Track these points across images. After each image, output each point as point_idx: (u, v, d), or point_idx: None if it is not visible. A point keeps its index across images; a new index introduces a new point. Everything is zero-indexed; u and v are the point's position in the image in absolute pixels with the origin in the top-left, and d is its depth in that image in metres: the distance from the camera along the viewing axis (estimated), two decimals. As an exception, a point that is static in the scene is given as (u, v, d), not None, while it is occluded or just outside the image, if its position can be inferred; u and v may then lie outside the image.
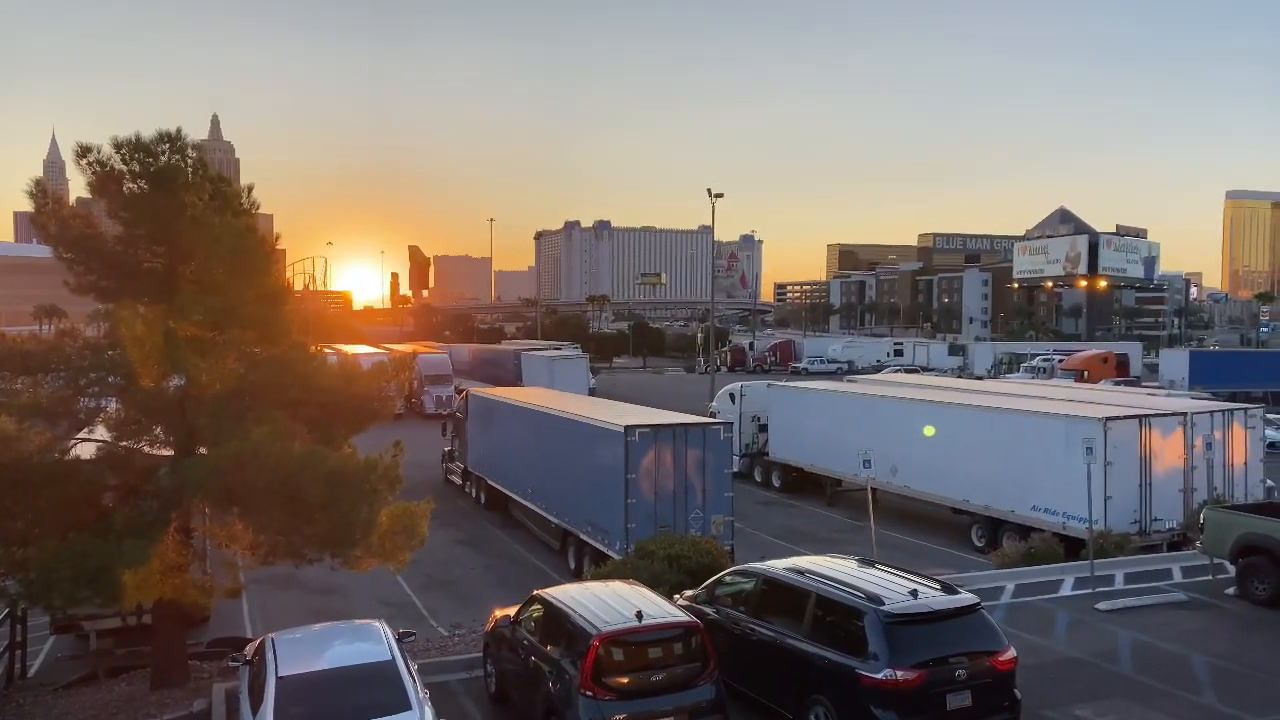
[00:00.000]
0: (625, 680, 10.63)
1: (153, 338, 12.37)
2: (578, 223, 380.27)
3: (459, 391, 42.66)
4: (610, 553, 21.09)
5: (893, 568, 12.80)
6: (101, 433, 13.43)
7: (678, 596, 13.95)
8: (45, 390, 13.05)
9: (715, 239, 77.84)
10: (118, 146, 13.02)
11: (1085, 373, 67.07)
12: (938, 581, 12.15)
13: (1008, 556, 21.49)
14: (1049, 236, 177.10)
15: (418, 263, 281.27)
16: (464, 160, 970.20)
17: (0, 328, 21.09)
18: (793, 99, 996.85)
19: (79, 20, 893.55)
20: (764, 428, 36.86)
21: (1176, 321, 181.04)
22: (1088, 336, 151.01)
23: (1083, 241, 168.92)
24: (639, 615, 10.97)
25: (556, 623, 11.60)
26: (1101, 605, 17.43)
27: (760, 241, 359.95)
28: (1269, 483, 27.50)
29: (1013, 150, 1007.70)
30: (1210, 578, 18.88)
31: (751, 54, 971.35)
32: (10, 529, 12.17)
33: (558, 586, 13.46)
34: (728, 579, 13.79)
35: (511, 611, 13.15)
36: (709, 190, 56.28)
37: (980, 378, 71.86)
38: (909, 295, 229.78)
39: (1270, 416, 34.72)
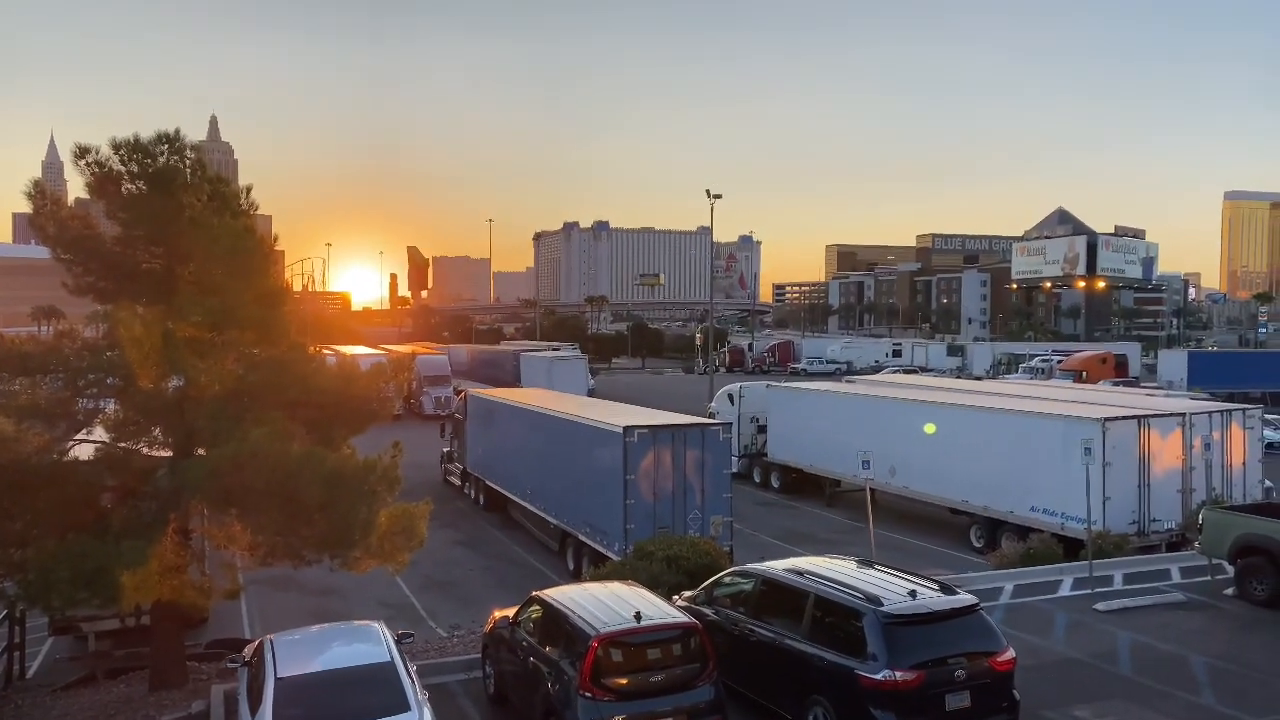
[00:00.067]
0: (624, 681, 10.63)
1: (151, 339, 12.37)
2: (576, 223, 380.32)
3: (458, 392, 42.62)
4: (609, 554, 21.08)
5: (891, 568, 12.80)
6: (100, 434, 13.43)
7: (676, 597, 13.94)
8: (44, 391, 13.05)
9: (714, 240, 77.89)
10: (116, 147, 13.02)
11: (1084, 373, 67.08)
12: (936, 582, 12.15)
13: (1006, 557, 21.50)
14: (1047, 237, 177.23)
15: (416, 263, 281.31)
16: (463, 161, 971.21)
17: (-2, 329, 21.08)
18: (792, 99, 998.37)
19: (78, 21, 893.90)
20: (763, 428, 36.87)
21: (1175, 322, 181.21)
22: (1086, 337, 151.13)
23: (1081, 242, 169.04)
24: (638, 616, 10.97)
25: (555, 624, 11.60)
26: (1100, 606, 17.43)
27: (759, 242, 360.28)
28: (1267, 483, 27.50)
29: (1011, 151, 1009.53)
30: (1209, 578, 18.89)
31: (750, 55, 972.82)
32: (9, 530, 12.17)
33: (556, 587, 13.46)
34: (727, 580, 13.79)
35: (510, 612, 13.14)
36: (708, 191, 56.42)
37: (979, 378, 71.95)
38: (908, 296, 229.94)
39: (1268, 417, 34.74)
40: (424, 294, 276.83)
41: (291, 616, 17.93)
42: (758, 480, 36.82)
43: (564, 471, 24.66)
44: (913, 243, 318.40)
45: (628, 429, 21.22)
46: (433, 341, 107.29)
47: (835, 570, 12.46)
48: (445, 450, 37.17)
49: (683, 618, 11.45)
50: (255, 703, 10.16)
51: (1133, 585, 18.96)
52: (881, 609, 10.91)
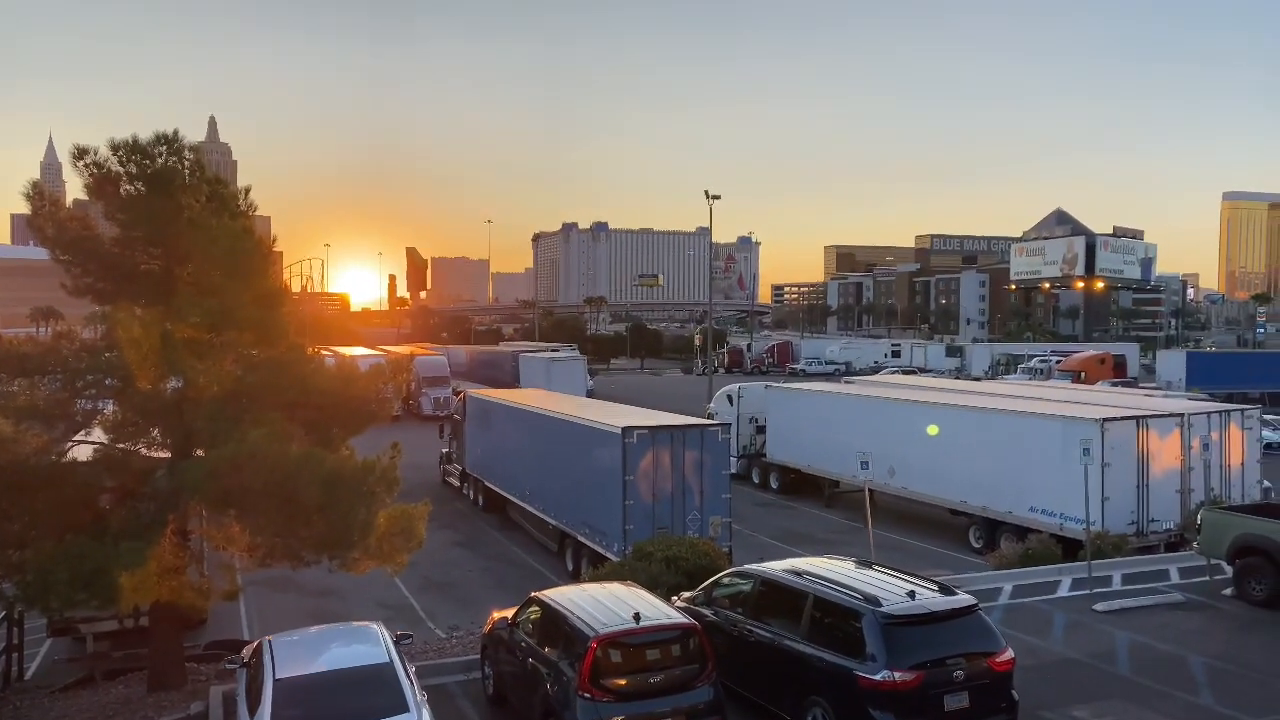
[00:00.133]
0: (623, 682, 10.62)
1: (150, 340, 12.37)
2: (575, 224, 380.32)
3: (456, 393, 42.63)
4: (608, 554, 21.08)
5: (890, 569, 12.80)
6: (99, 435, 13.43)
7: (675, 598, 13.95)
8: (42, 392, 13.05)
9: (713, 240, 77.86)
10: (115, 148, 13.02)
11: (1082, 374, 67.12)
12: (935, 583, 12.15)
13: (1005, 558, 21.51)
14: (1046, 238, 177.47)
15: (415, 264, 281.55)
16: (462, 162, 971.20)
17: (-3, 330, 21.07)
18: (790, 100, 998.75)
19: (76, 22, 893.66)
20: (762, 429, 36.88)
21: (1173, 322, 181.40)
22: (1085, 337, 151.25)
23: (1080, 243, 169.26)
24: (637, 617, 10.97)
25: (554, 624, 11.60)
26: (1099, 606, 17.44)
27: (758, 243, 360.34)
28: (1266, 483, 27.54)
29: (1010, 152, 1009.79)
30: (1207, 578, 18.89)
31: (750, 55, 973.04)
32: (7, 531, 12.17)
33: (555, 588, 13.45)
34: (725, 580, 13.79)
35: (509, 613, 13.14)
36: (706, 192, 56.37)
37: (978, 379, 71.93)
38: (906, 296, 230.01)
39: (1267, 417, 34.81)
40: (422, 295, 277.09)
41: (290, 617, 17.91)
42: (756, 481, 36.83)
43: (563, 472, 24.66)
44: (911, 243, 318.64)
45: (626, 430, 21.22)
46: (431, 342, 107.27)
47: (834, 571, 12.46)
48: (444, 451, 37.16)
49: (682, 618, 11.45)
50: (254, 704, 10.16)
51: (1131, 586, 18.97)
52: (880, 609, 10.91)
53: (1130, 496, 23.38)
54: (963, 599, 11.53)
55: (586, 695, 10.41)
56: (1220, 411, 26.11)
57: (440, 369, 63.44)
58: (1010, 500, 25.32)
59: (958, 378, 74.74)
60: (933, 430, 27.83)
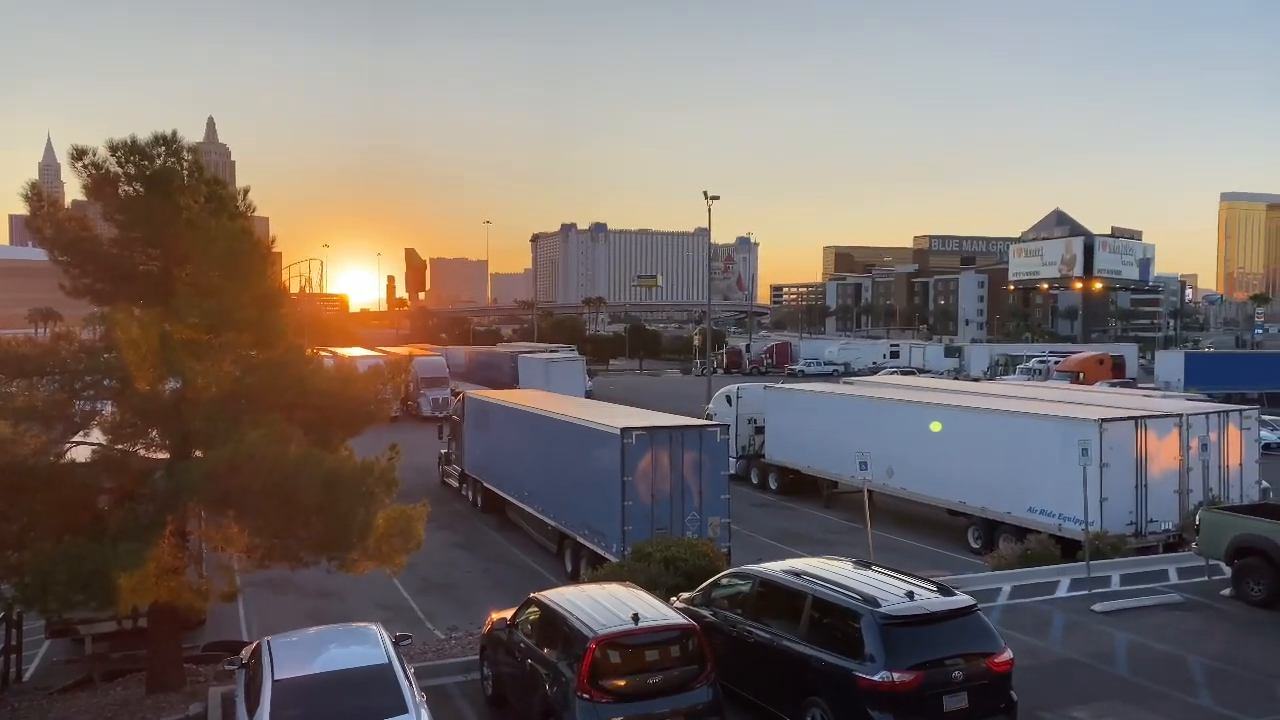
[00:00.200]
0: (622, 683, 10.62)
1: (148, 341, 12.37)
2: (574, 225, 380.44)
3: (455, 394, 42.64)
4: (607, 555, 21.08)
5: (889, 569, 12.79)
6: (97, 436, 13.43)
7: (674, 599, 13.95)
8: (41, 393, 13.04)
9: (711, 241, 77.90)
10: (113, 149, 13.02)
11: (1081, 374, 67.16)
12: (934, 583, 12.15)
13: (1004, 558, 21.52)
14: (1044, 238, 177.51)
15: (414, 265, 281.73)
16: (461, 162, 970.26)
17: (-5, 331, 21.06)
18: (789, 101, 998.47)
19: (75, 22, 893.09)
20: (760, 430, 36.88)
21: (1172, 323, 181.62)
22: (1083, 338, 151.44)
23: (1078, 243, 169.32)
24: (636, 618, 10.97)
25: (553, 625, 11.60)
26: (1097, 607, 17.45)
27: (756, 244, 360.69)
28: (1264, 484, 27.57)
29: (1008, 153, 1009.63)
30: (1206, 579, 18.91)
31: (748, 57, 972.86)
32: (5, 532, 12.16)
33: (554, 589, 13.45)
34: (724, 581, 13.79)
35: (508, 614, 13.13)
36: (705, 192, 56.23)
37: (976, 379, 71.95)
38: (905, 297, 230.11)
39: (1265, 418, 34.84)
40: (421, 296, 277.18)
41: (289, 618, 17.90)
42: (755, 481, 36.83)
43: (562, 473, 24.66)
44: (910, 244, 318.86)
45: (625, 430, 21.22)
46: (430, 343, 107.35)
47: (833, 571, 12.46)
48: (443, 452, 37.16)
49: (680, 619, 11.45)
50: (253, 705, 10.16)
51: (1130, 586, 18.98)
52: (879, 610, 10.91)
53: (1129, 497, 23.40)
54: (961, 599, 11.53)
55: (585, 696, 10.41)
56: (1219, 412, 26.13)
57: (439, 370, 63.43)
58: (1009, 501, 25.33)
59: (956, 378, 74.77)
60: (935, 427, 27.82)
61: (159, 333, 12.55)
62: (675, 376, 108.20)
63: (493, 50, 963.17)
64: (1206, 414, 25.58)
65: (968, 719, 10.77)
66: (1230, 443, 25.57)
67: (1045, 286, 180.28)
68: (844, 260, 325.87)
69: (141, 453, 13.47)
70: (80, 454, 13.35)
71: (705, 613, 13.11)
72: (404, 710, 9.97)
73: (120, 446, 13.32)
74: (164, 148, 13.22)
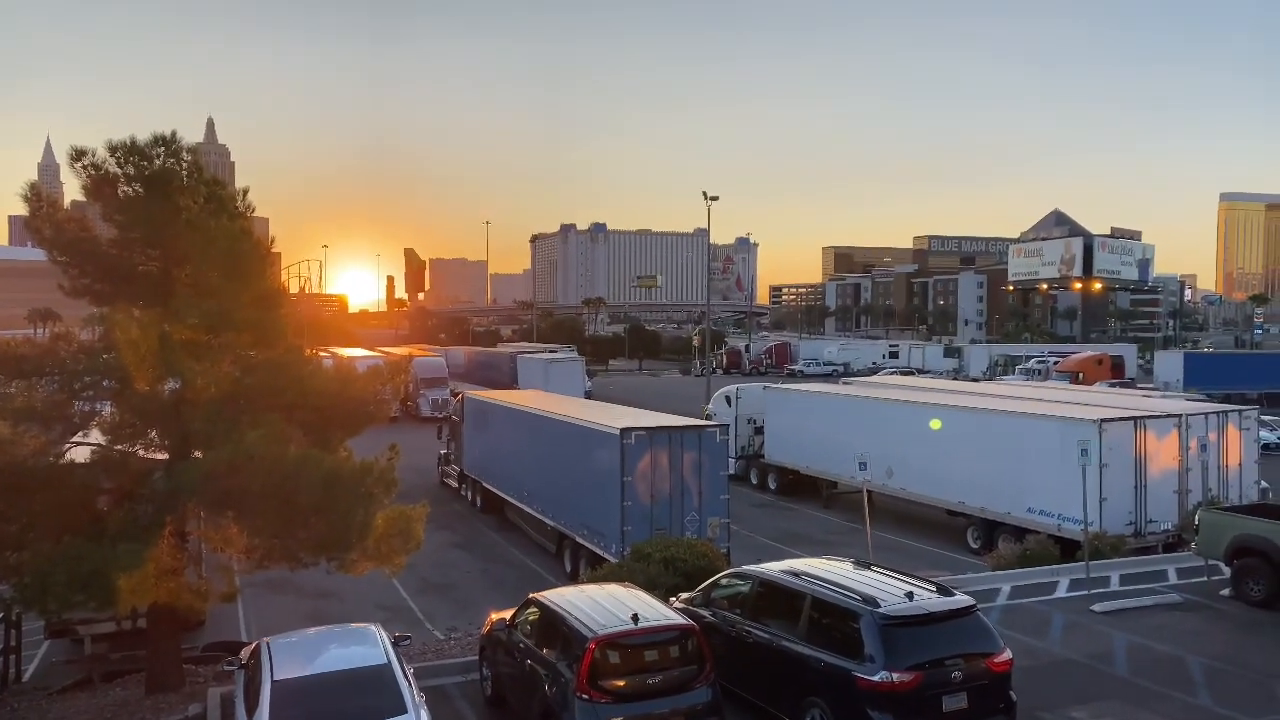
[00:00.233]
0: (621, 683, 10.62)
1: (148, 341, 12.36)
2: (574, 225, 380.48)
3: (454, 394, 42.63)
4: (606, 555, 21.08)
5: (888, 570, 12.80)
6: (96, 436, 13.42)
7: (674, 599, 13.95)
8: (40, 394, 13.04)
9: (711, 241, 77.94)
10: (112, 150, 13.02)
11: (1080, 375, 67.19)
12: (933, 583, 12.15)
13: (1003, 558, 21.53)
14: (1044, 239, 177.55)
15: (413, 266, 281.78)
16: (460, 162, 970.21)
17: (-6, 331, 21.05)
18: (789, 102, 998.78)
19: (74, 23, 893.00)
20: (760, 430, 36.87)
21: (1171, 323, 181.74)
22: (1083, 338, 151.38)
23: (1077, 244, 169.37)
24: (635, 618, 10.97)
25: (552, 626, 11.60)
26: (1097, 607, 17.46)
27: (756, 244, 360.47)
28: (1263, 484, 27.59)
29: (1008, 153, 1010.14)
30: (1205, 579, 18.91)
31: (748, 57, 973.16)
32: (5, 533, 12.16)
33: (553, 589, 13.45)
34: (724, 581, 13.79)
35: (507, 615, 13.14)
36: (704, 193, 56.38)
37: (976, 380, 71.96)
38: (904, 297, 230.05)
39: (1265, 418, 34.84)
40: (421, 296, 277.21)
41: (288, 619, 17.89)
42: (755, 482, 36.83)
43: (561, 473, 24.66)
44: (909, 244, 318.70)
45: (625, 431, 21.22)
46: (429, 343, 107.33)
47: (832, 572, 12.46)
48: (442, 452, 37.16)
49: (680, 619, 11.45)
50: (252, 705, 10.15)
51: (1129, 586, 18.99)
52: (878, 610, 10.91)
53: (1128, 497, 23.41)
54: (961, 600, 11.53)
55: (585, 696, 10.41)
56: (1218, 412, 26.15)
57: (438, 370, 63.42)
58: (1008, 501, 25.34)
59: (956, 379, 74.80)
60: (936, 424, 27.82)
61: (158, 333, 12.55)
62: (675, 377, 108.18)
63: (493, 50, 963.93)
64: (1206, 414, 25.59)
65: (967, 719, 10.78)
66: (1229, 443, 25.58)
67: (1044, 287, 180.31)
68: (843, 260, 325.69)
69: (141, 453, 13.47)
70: (79, 455, 13.35)
71: (705, 613, 13.11)
72: (403, 711, 9.96)
73: (119, 447, 13.32)
74: (163, 148, 13.21)
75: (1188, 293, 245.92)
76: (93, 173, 13.10)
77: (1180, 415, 24.87)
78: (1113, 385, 58.71)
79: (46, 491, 12.22)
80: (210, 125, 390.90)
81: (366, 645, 11.18)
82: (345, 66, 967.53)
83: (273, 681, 10.16)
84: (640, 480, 21.20)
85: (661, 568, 16.72)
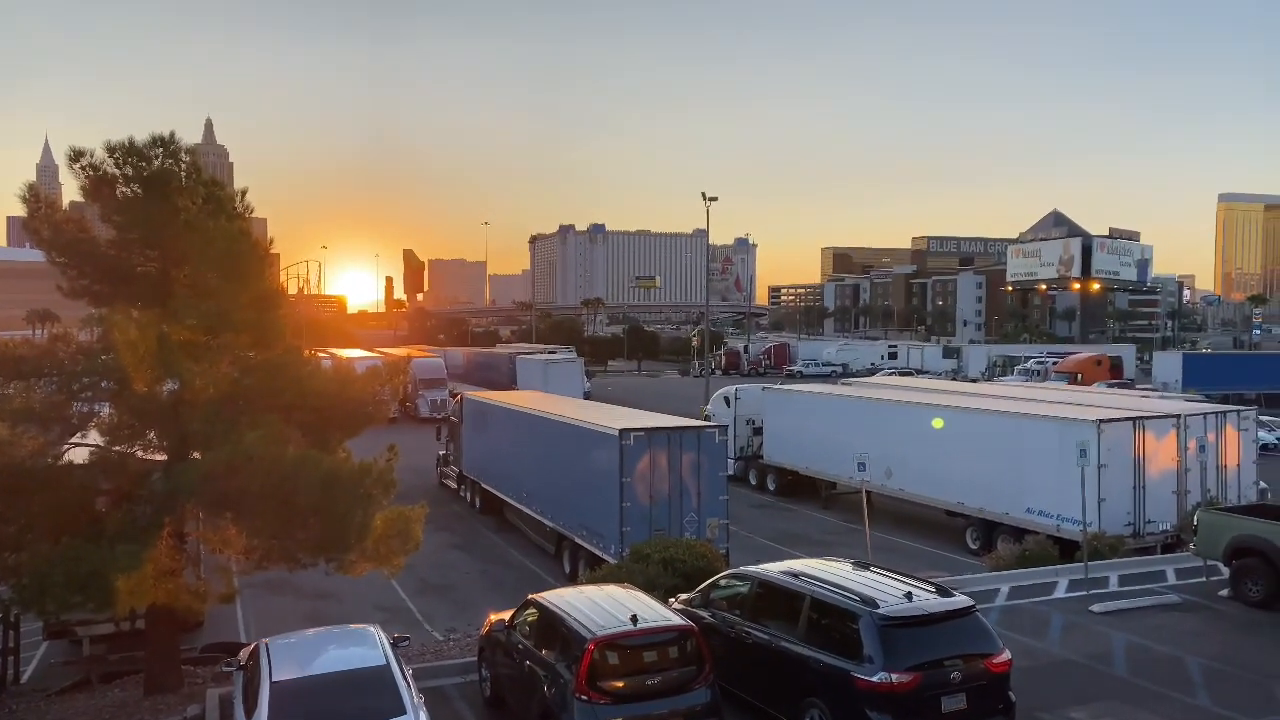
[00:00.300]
0: (620, 684, 10.61)
1: (146, 342, 12.36)
2: (572, 226, 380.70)
3: (453, 395, 42.61)
4: (605, 556, 21.07)
5: (887, 570, 12.79)
6: (95, 437, 13.41)
7: (673, 600, 13.94)
8: (38, 395, 13.04)
9: (710, 242, 77.98)
10: (111, 151, 13.02)
11: (1079, 375, 67.19)
12: (932, 584, 12.15)
13: (1002, 559, 21.53)
14: (1042, 239, 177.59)
15: (412, 266, 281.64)
16: (459, 163, 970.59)
17: (-7, 332, 21.02)
18: (788, 102, 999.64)
19: (73, 23, 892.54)
20: (759, 431, 36.87)
21: (1170, 324, 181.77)
22: (1081, 339, 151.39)
23: (1076, 244, 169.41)
24: (634, 619, 10.96)
25: (551, 627, 11.59)
26: (1096, 607, 17.46)
27: (755, 245, 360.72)
28: (1262, 484, 27.61)
29: (1007, 153, 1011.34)
30: (1204, 580, 18.92)
31: (748, 58, 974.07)
32: (3, 534, 12.16)
33: (553, 590, 13.44)
34: (723, 582, 13.79)
35: (506, 615, 13.12)
36: (703, 194, 56.41)
37: (974, 380, 72.00)
38: (903, 298, 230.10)
39: (1263, 419, 34.89)
40: (419, 297, 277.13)
41: (287, 620, 17.89)
42: (754, 483, 36.82)
43: (560, 474, 24.65)
44: (908, 245, 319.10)
45: (623, 432, 21.21)
46: (428, 344, 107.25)
47: (831, 572, 12.45)
48: (441, 453, 37.15)
49: (679, 620, 11.44)
50: (251, 707, 10.14)
51: (1128, 587, 18.99)
52: (877, 611, 10.91)
53: (1127, 498, 23.42)
54: (960, 600, 11.53)
55: (584, 697, 10.40)
56: (1216, 413, 26.16)
57: (437, 371, 63.40)
58: (1007, 502, 25.34)
59: (954, 379, 74.82)
60: (937, 423, 27.81)
61: (157, 334, 12.54)
62: (673, 377, 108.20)
63: (493, 50, 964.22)
64: (1204, 415, 25.60)
65: (966, 719, 10.78)
66: (1228, 443, 25.59)
67: (1043, 287, 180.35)
68: (842, 261, 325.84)
69: (139, 454, 13.46)
70: (78, 455, 13.35)
71: (704, 614, 13.10)
72: (402, 712, 9.96)
73: (118, 448, 13.31)
74: (162, 149, 13.22)
75: (1186, 293, 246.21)
76: (91, 173, 13.10)
77: (1179, 416, 24.88)
78: (1111, 386, 58.71)
79: (45, 492, 12.22)
80: (209, 126, 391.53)
81: (365, 646, 11.17)
82: (345, 67, 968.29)
83: (271, 682, 10.15)
84: (639, 481, 21.19)
85: (660, 568, 16.71)
